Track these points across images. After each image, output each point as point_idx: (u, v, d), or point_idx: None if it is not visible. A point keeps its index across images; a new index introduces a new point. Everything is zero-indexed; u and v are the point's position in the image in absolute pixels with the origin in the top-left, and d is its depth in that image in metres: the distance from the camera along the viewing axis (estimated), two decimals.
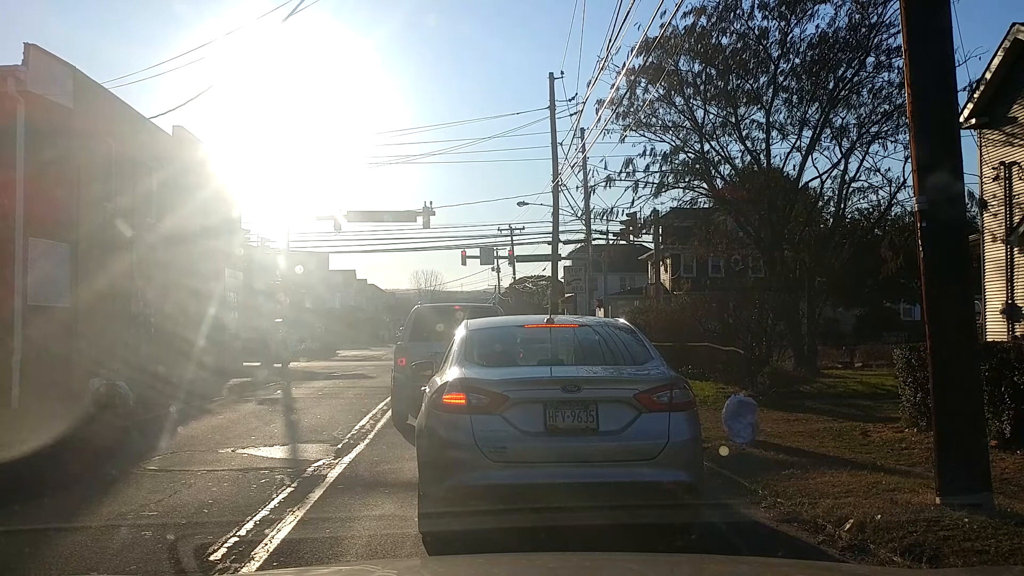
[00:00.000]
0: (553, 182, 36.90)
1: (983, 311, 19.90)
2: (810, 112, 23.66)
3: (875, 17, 22.01)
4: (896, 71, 21.80)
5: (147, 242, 23.44)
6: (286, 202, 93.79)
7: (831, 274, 26.67)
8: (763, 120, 23.86)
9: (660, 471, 6.84)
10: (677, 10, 19.89)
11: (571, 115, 54.13)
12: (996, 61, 18.72)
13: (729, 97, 23.70)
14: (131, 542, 7.46)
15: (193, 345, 24.88)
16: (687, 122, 24.30)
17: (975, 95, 19.45)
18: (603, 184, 25.78)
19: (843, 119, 23.66)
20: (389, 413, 16.79)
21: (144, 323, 23.69)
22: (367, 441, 13.72)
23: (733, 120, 23.98)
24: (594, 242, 42.95)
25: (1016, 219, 18.92)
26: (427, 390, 7.92)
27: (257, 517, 8.26)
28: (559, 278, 46.00)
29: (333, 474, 10.68)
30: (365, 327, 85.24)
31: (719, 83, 23.66)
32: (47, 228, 18.36)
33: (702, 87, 23.76)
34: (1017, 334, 18.25)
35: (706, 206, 27.50)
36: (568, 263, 66.78)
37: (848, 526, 7.07)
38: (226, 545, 7.23)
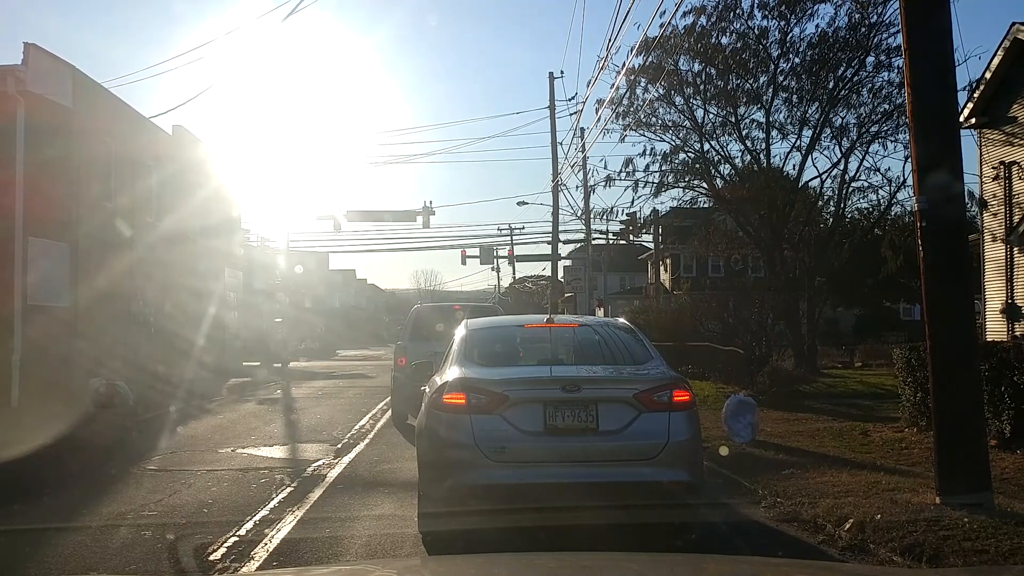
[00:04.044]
0: (553, 182, 36.94)
1: (983, 311, 19.90)
2: (810, 112, 23.69)
3: (875, 17, 22.05)
4: (896, 71, 21.82)
5: (147, 242, 23.43)
6: (286, 202, 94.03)
7: (831, 274, 26.69)
8: (763, 120, 23.88)
9: (660, 470, 6.84)
10: (677, 10, 19.89)
11: (571, 115, 54.23)
12: (996, 61, 18.72)
13: (729, 97, 23.69)
14: (131, 542, 7.46)
15: (193, 345, 24.88)
16: (687, 122, 24.31)
17: (975, 95, 19.45)
18: (603, 184, 25.80)
19: (843, 119, 23.69)
20: (389, 413, 16.79)
21: (144, 323, 23.69)
22: (367, 441, 13.72)
23: (733, 120, 23.98)
24: (594, 242, 42.99)
25: (1016, 219, 18.92)
26: (427, 390, 7.91)
27: (257, 517, 8.26)
28: (559, 278, 46.00)
29: (333, 474, 10.68)
30: (365, 327, 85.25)
31: (719, 83, 23.65)
32: (47, 227, 18.36)
33: (702, 87, 23.76)
34: (1017, 334, 18.24)
35: (706, 206, 27.49)
36: (568, 263, 66.80)
37: (848, 526, 7.07)
38: (226, 545, 7.23)
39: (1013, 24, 18.20)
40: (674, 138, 24.58)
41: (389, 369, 18.12)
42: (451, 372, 7.40)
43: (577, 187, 51.70)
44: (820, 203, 25.81)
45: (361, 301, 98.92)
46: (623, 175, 24.91)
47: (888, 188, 23.88)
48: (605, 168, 33.45)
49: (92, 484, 10.12)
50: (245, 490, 9.73)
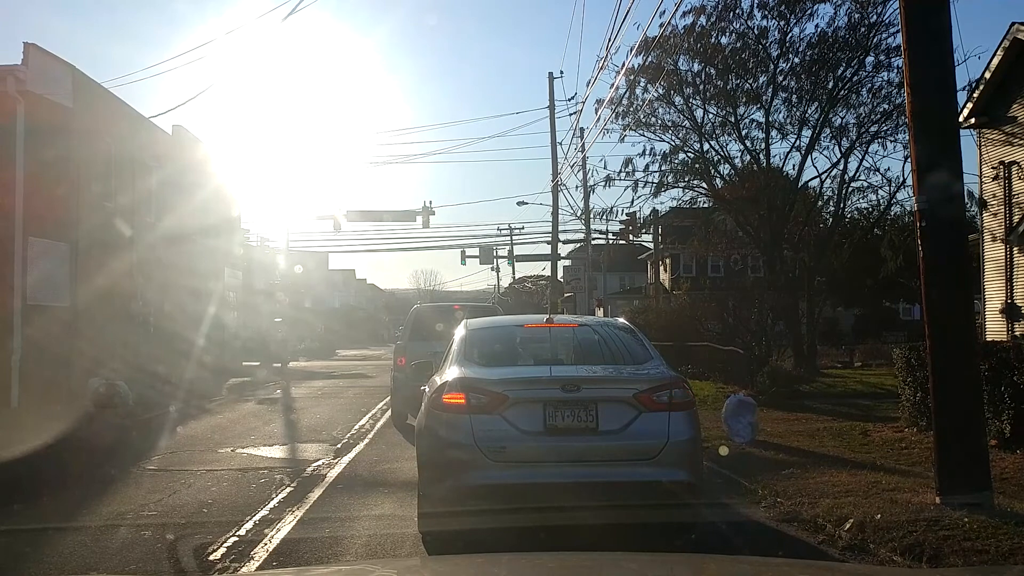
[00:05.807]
0: (552, 181, 36.92)
1: (983, 311, 19.89)
2: (809, 112, 23.70)
3: (874, 16, 22.07)
4: (896, 71, 21.83)
5: (147, 241, 23.43)
6: (286, 201, 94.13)
7: (831, 274, 26.69)
8: (763, 120, 23.90)
9: (660, 470, 6.84)
10: (677, 10, 19.90)
11: (570, 115, 54.29)
12: (996, 61, 18.71)
13: (729, 97, 23.70)
14: (131, 542, 7.46)
15: (193, 345, 24.87)
16: (686, 122, 24.32)
17: (975, 95, 19.44)
18: (602, 184, 25.84)
19: (842, 119, 23.71)
20: (388, 413, 16.78)
21: (144, 323, 23.68)
22: (366, 441, 13.72)
23: (732, 120, 23.99)
24: (594, 242, 42.97)
25: (1016, 219, 18.92)
26: (427, 390, 7.91)
27: (257, 517, 8.26)
28: (559, 278, 45.98)
29: (332, 474, 10.68)
30: (365, 327, 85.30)
31: (718, 83, 23.66)
32: (47, 227, 18.36)
33: (701, 87, 23.77)
34: (1017, 333, 18.24)
35: (705, 206, 27.52)
36: (568, 263, 66.75)
37: (848, 526, 7.07)
38: (226, 545, 7.23)
39: (1013, 24, 18.19)
40: (674, 138, 24.63)
41: (389, 369, 18.12)
42: (451, 372, 7.39)
43: (577, 187, 51.79)
44: (820, 203, 25.85)
45: (361, 301, 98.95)
46: (623, 175, 24.97)
47: (888, 188, 23.93)
48: (605, 168, 33.45)
49: (92, 484, 10.11)
50: (245, 490, 9.73)
